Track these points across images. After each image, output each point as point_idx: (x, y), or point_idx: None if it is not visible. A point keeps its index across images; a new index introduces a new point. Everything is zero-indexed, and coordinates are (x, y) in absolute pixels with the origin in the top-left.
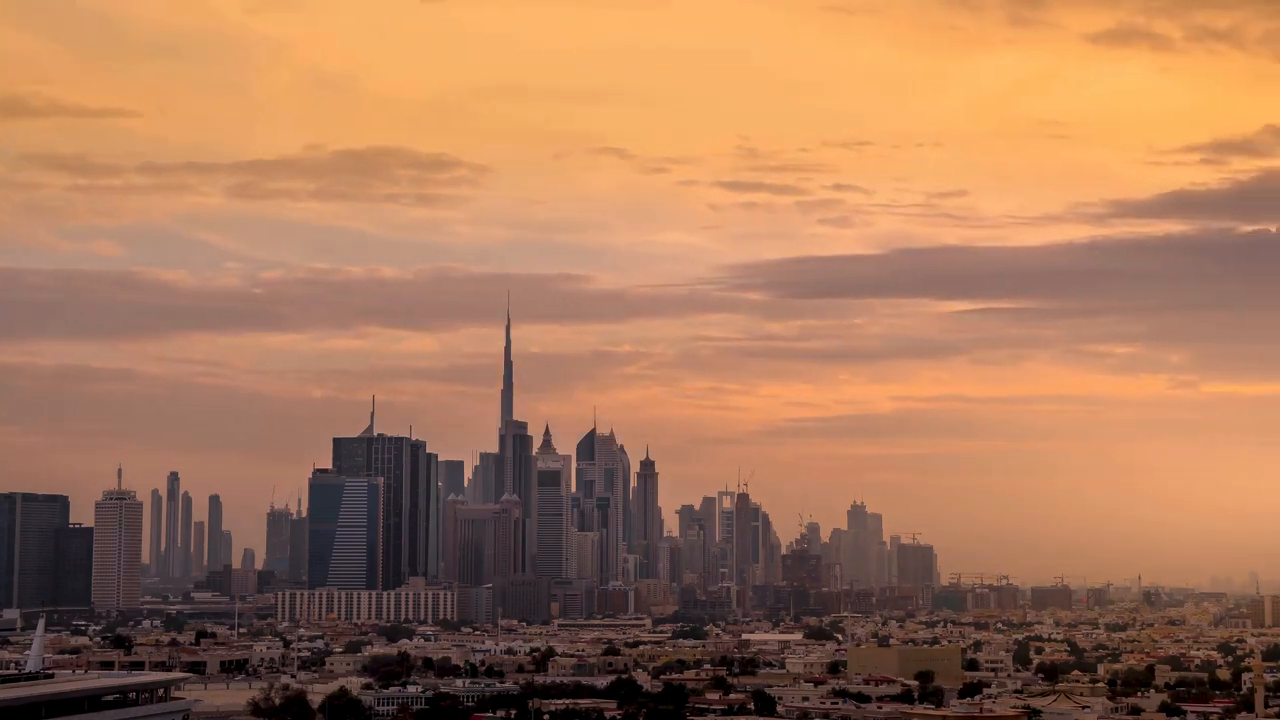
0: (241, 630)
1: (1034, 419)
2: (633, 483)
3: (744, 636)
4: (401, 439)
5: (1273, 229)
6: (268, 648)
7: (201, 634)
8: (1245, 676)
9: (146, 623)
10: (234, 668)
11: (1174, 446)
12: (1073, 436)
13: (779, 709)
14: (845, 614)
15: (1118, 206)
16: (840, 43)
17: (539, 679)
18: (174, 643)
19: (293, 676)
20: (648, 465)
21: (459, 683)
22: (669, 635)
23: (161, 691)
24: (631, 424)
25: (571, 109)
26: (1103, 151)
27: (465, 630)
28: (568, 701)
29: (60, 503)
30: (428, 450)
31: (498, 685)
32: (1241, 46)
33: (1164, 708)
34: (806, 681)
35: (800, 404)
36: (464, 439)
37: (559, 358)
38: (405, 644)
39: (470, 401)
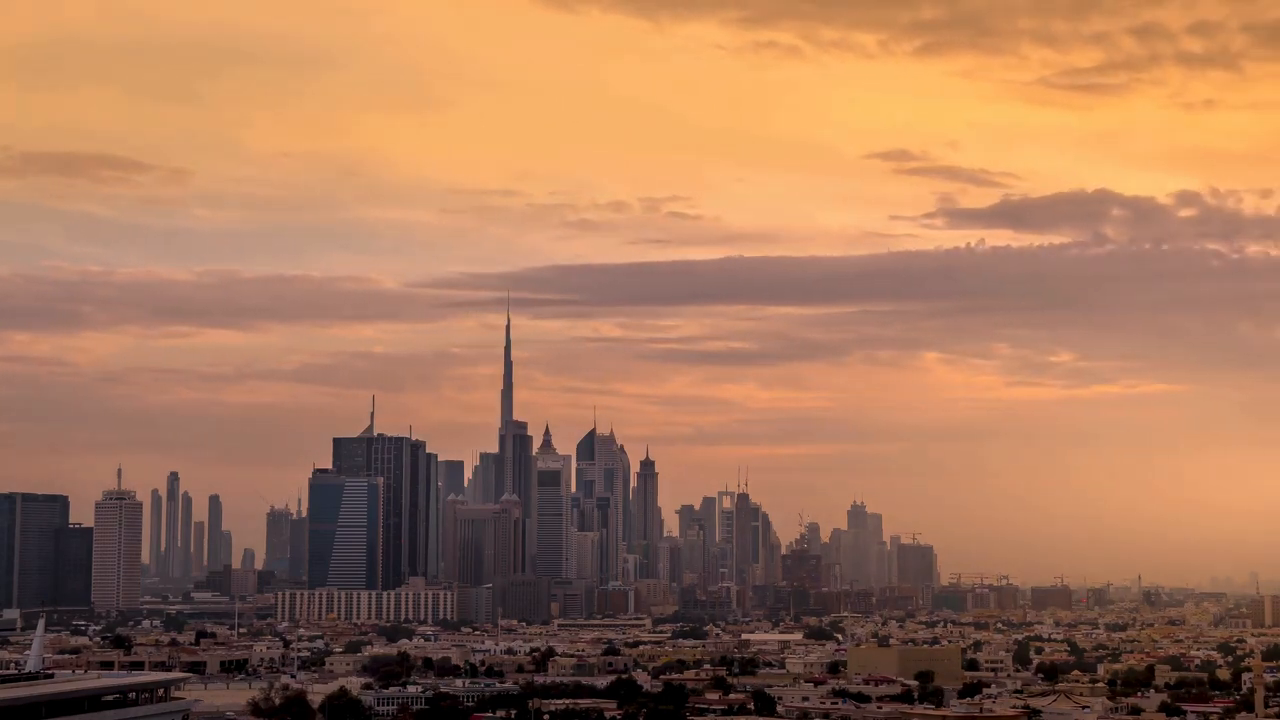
0: (241, 630)
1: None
2: (633, 483)
3: (744, 636)
4: (401, 439)
5: None
6: (268, 648)
7: (201, 634)
8: (1245, 676)
9: (146, 623)
10: (234, 668)
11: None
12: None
13: (779, 709)
14: (845, 614)
15: None
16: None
17: (539, 679)
18: (174, 643)
19: (293, 676)
20: (648, 465)
21: (459, 683)
22: (669, 635)
23: (161, 691)
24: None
25: None
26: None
27: (465, 630)
28: (568, 701)
29: (60, 503)
30: (428, 450)
31: (498, 685)
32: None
33: (1164, 708)
34: (806, 681)
35: None
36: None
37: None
38: (405, 644)
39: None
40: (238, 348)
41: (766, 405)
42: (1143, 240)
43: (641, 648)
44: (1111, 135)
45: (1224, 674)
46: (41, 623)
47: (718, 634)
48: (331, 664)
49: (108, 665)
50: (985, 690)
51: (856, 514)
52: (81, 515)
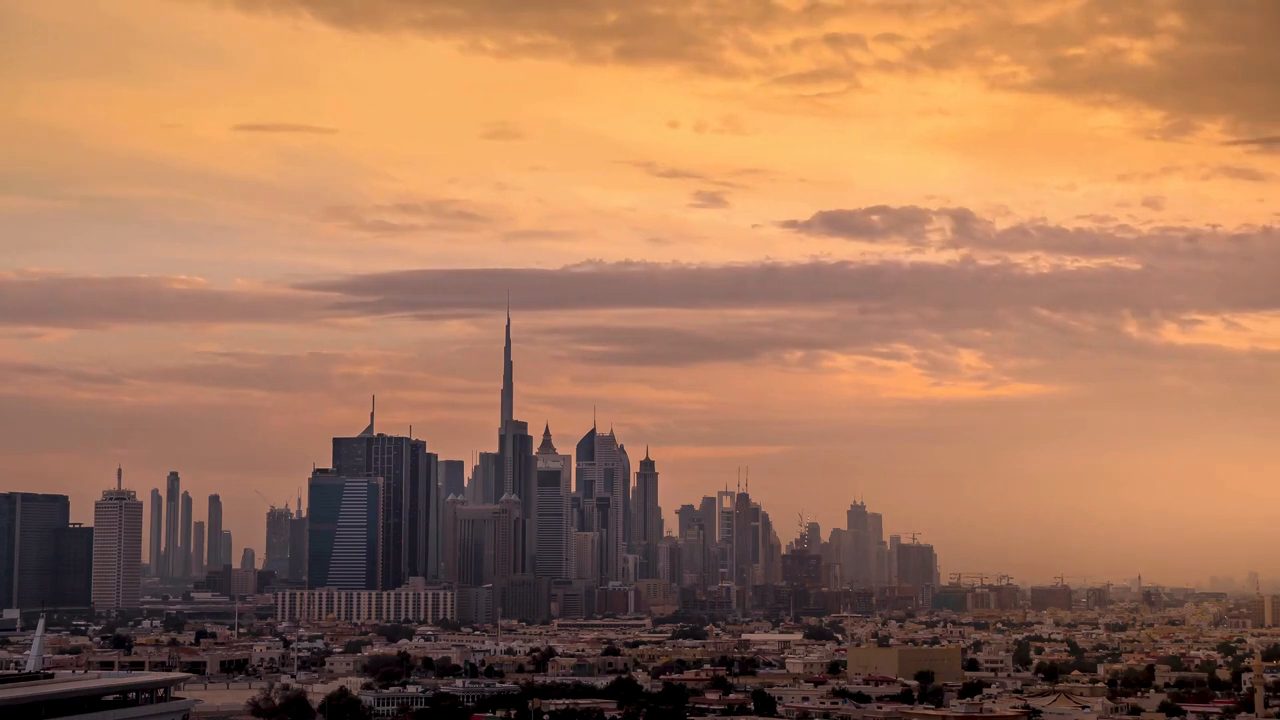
0: (241, 630)
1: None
2: (633, 483)
3: (744, 636)
4: (401, 439)
5: None
6: (268, 648)
7: (201, 634)
8: (1245, 676)
9: (146, 623)
10: (234, 668)
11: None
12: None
13: (779, 709)
14: (845, 614)
15: None
16: None
17: (539, 679)
18: (174, 643)
19: (293, 676)
20: (648, 465)
21: (459, 683)
22: (669, 635)
23: (161, 691)
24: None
25: None
26: None
27: (465, 630)
28: (568, 701)
29: (60, 503)
30: (428, 450)
31: (498, 685)
32: None
33: (1164, 708)
34: (806, 681)
35: None
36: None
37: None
38: (405, 644)
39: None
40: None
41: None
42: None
43: (641, 648)
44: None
45: (1224, 674)
46: (41, 623)
47: (718, 634)
48: (331, 664)
49: (108, 665)
50: (985, 690)
51: (856, 514)
52: (81, 515)
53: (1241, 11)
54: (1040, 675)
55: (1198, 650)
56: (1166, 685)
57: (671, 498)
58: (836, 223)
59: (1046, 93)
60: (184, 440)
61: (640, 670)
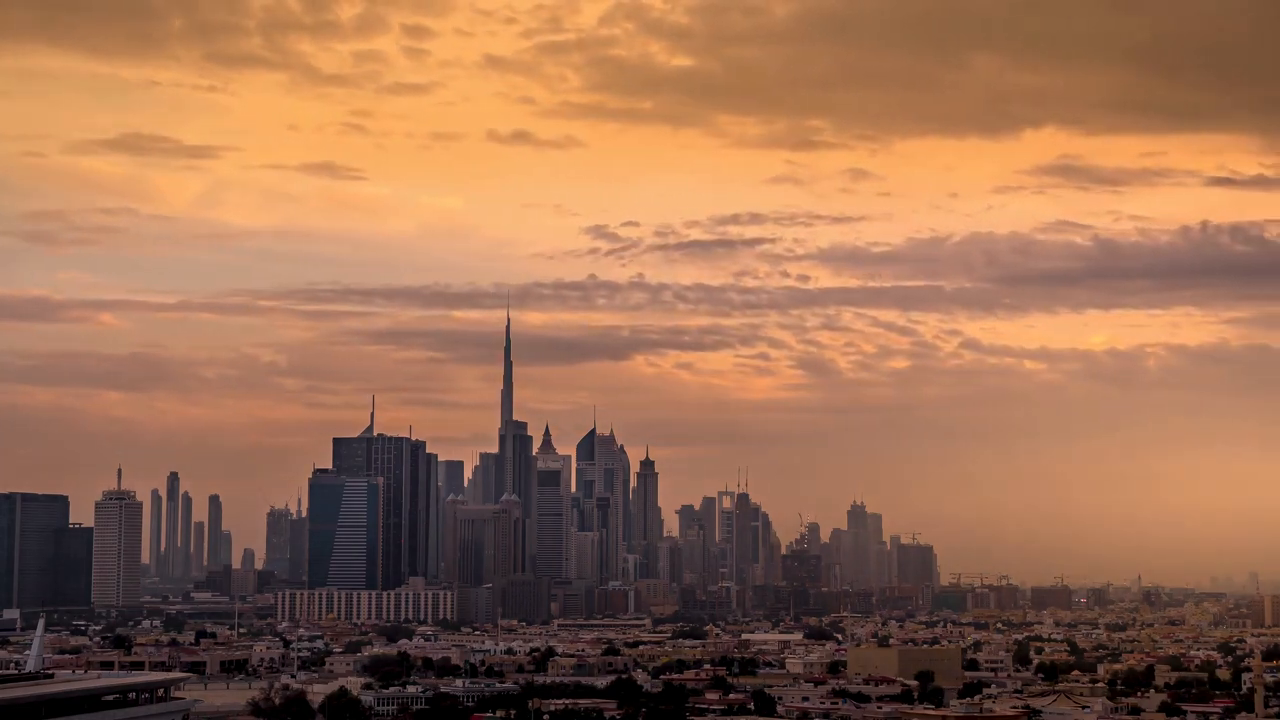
0: (241, 630)
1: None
2: (633, 483)
3: (744, 636)
4: (401, 439)
5: None
6: (268, 648)
7: (201, 634)
8: (1245, 676)
9: (146, 623)
10: (234, 668)
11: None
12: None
13: (779, 709)
14: (845, 614)
15: None
16: None
17: (539, 679)
18: (174, 643)
19: (293, 676)
20: (648, 465)
21: (459, 683)
22: (669, 635)
23: (161, 691)
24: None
25: None
26: None
27: (465, 630)
28: (568, 701)
29: (60, 503)
30: (428, 450)
31: (497, 685)
32: None
33: (1164, 708)
34: (806, 681)
35: None
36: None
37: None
38: (405, 644)
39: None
40: None
41: None
42: None
43: (641, 648)
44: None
45: (1224, 674)
46: (41, 623)
47: (718, 634)
48: (331, 664)
49: (108, 665)
50: (985, 690)
51: (856, 514)
52: (81, 515)
53: None
54: (1040, 675)
55: (1198, 650)
56: (1166, 685)
57: (671, 498)
58: None
59: None
60: None
61: (640, 670)
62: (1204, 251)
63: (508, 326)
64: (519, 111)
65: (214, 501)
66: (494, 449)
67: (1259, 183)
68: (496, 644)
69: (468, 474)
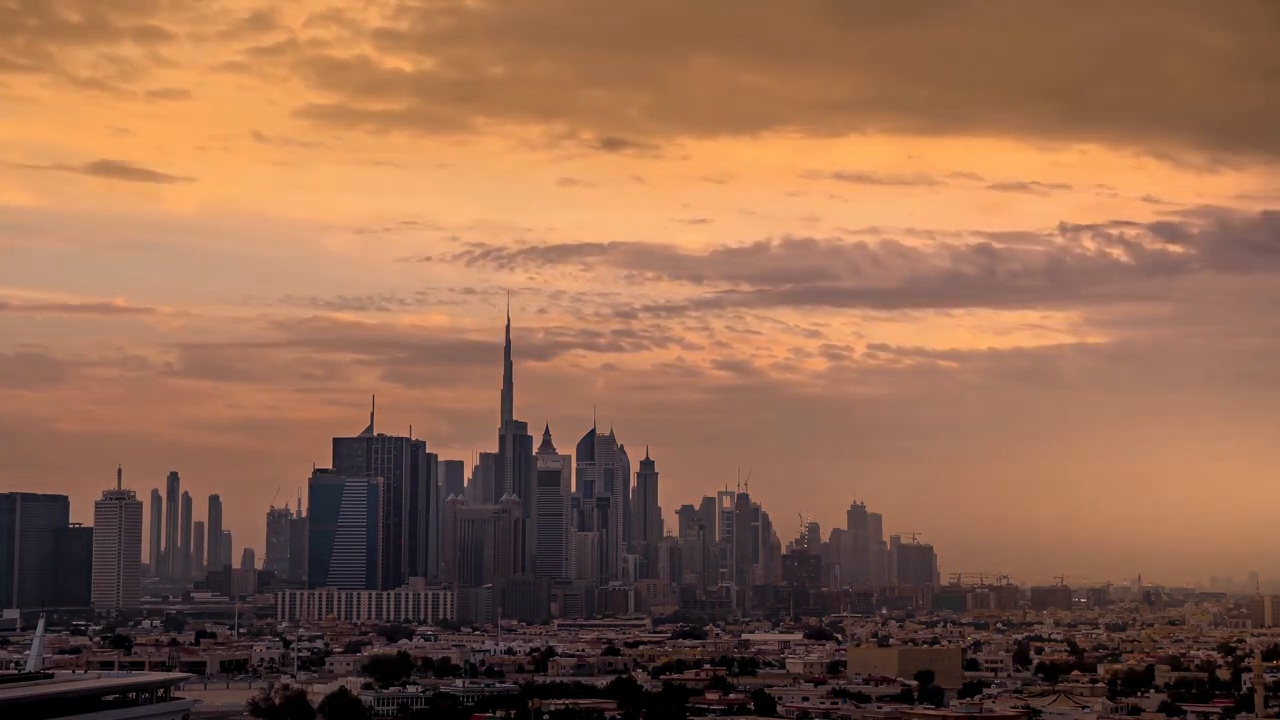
0: (241, 630)
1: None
2: (633, 483)
3: (744, 636)
4: (401, 439)
5: None
6: (268, 648)
7: (201, 634)
8: (1245, 676)
9: (146, 623)
10: (234, 668)
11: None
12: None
13: (779, 709)
14: (845, 614)
15: None
16: None
17: (539, 679)
18: (174, 643)
19: (293, 676)
20: (648, 465)
21: (459, 683)
22: (669, 635)
23: (161, 691)
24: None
25: None
26: None
27: (465, 630)
28: (567, 701)
29: (60, 503)
30: (428, 450)
31: (497, 685)
32: None
33: (1164, 708)
34: (806, 681)
35: None
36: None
37: None
38: (405, 644)
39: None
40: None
41: None
42: None
43: (641, 648)
44: None
45: (1224, 674)
46: (41, 623)
47: (718, 634)
48: (331, 664)
49: (108, 665)
50: (985, 690)
51: (856, 514)
52: (82, 515)
53: None
54: (1040, 675)
55: (1198, 650)
56: (1166, 685)
57: (671, 498)
58: None
59: None
60: None
61: (640, 670)
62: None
63: (508, 326)
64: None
65: (214, 501)
66: (493, 449)
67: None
68: (496, 644)
69: (468, 474)
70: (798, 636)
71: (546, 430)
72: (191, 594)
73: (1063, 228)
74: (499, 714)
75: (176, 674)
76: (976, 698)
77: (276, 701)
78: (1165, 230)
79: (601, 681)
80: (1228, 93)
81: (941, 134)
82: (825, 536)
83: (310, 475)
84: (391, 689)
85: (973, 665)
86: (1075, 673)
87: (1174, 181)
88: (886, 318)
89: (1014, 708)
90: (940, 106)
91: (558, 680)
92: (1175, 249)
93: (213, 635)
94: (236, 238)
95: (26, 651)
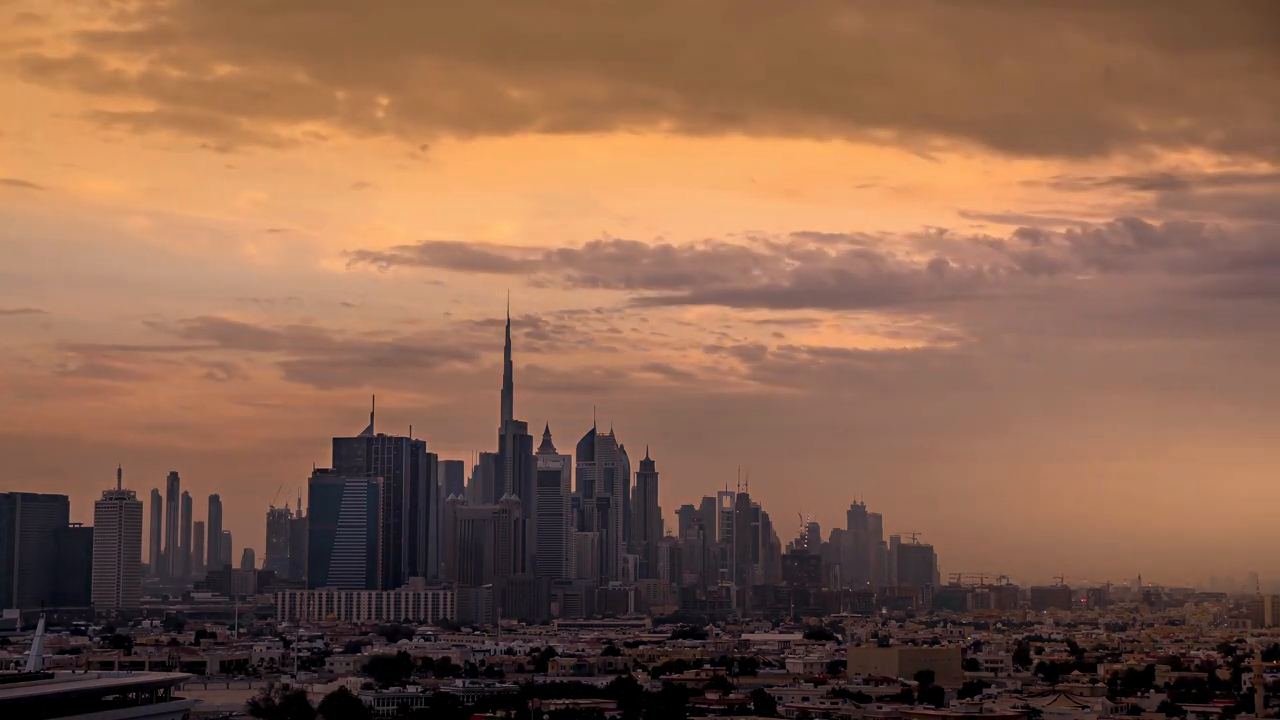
0: (241, 630)
1: None
2: (633, 483)
3: (744, 636)
4: (401, 439)
5: None
6: (268, 648)
7: (201, 634)
8: (1245, 676)
9: (146, 623)
10: (234, 668)
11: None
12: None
13: (779, 709)
14: (845, 614)
15: None
16: None
17: (539, 679)
18: (174, 643)
19: (293, 676)
20: (648, 465)
21: (459, 683)
22: (669, 635)
23: (161, 691)
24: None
25: None
26: None
27: (465, 630)
28: (567, 701)
29: (60, 503)
30: (428, 450)
31: (497, 685)
32: None
33: (1164, 708)
34: (806, 681)
35: None
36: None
37: None
38: (405, 644)
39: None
40: None
41: None
42: None
43: (641, 648)
44: None
45: (1224, 674)
46: (41, 623)
47: (718, 634)
48: (331, 664)
49: (108, 665)
50: (985, 690)
51: (856, 514)
52: (82, 515)
53: None
54: (1040, 675)
55: (1198, 650)
56: (1166, 685)
57: (671, 498)
58: None
59: None
60: None
61: (640, 670)
62: None
63: (508, 326)
64: None
65: (214, 501)
66: (493, 449)
67: None
68: (496, 644)
69: (468, 474)
70: (798, 636)
71: (546, 430)
72: (191, 594)
73: None
74: (499, 714)
75: (176, 674)
76: (976, 698)
77: (276, 701)
78: None
79: (601, 682)
80: None
81: None
82: (825, 536)
83: (310, 475)
84: (391, 689)
85: (973, 665)
86: (1075, 673)
87: None
88: None
89: (1014, 708)
90: None
91: (558, 680)
92: None
93: (213, 635)
94: None
95: (26, 651)
